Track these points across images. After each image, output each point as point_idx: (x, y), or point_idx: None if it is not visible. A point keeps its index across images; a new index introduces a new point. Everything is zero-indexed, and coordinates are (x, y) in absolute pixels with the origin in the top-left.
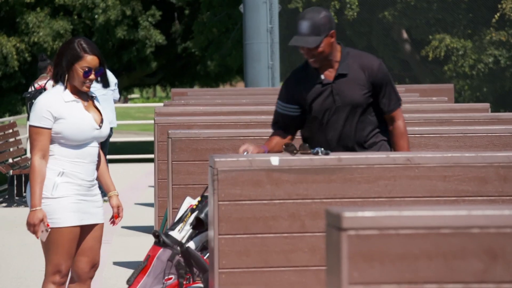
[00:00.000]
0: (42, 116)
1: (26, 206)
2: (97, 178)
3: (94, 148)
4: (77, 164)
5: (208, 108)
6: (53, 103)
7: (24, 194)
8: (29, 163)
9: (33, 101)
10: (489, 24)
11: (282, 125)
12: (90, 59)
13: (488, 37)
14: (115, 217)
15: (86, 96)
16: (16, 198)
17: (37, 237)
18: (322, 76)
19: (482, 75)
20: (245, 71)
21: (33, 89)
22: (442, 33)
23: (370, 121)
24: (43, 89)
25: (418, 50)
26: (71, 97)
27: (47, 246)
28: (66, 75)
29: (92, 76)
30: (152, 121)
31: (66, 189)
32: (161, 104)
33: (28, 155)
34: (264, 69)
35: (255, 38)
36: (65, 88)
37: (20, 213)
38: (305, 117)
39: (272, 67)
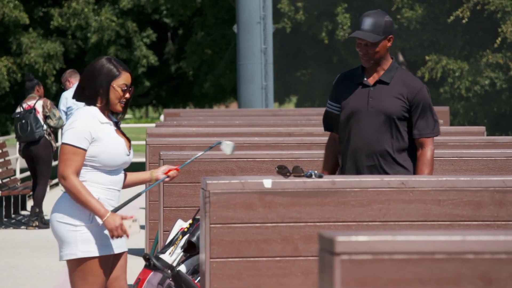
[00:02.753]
0: (84, 137)
1: (15, 227)
2: (128, 185)
3: (123, 175)
4: (110, 191)
5: (200, 129)
6: (93, 124)
7: (13, 216)
8: (18, 184)
9: (23, 121)
10: (486, 46)
11: (329, 123)
12: (126, 77)
13: (484, 60)
14: (173, 170)
15: (111, 121)
16: (5, 219)
17: (128, 236)
18: (365, 78)
19: (478, 97)
20: (238, 92)
21: (22, 109)
22: (437, 54)
23: (402, 139)
24: (32, 109)
25: (413, 72)
26: (105, 119)
27: (81, 280)
28: (101, 95)
29: (128, 94)
30: (144, 142)
31: None
32: (153, 124)
33: (18, 176)
34: (258, 90)
35: (249, 59)
36: (97, 109)
37: (9, 235)
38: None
39: (266, 87)
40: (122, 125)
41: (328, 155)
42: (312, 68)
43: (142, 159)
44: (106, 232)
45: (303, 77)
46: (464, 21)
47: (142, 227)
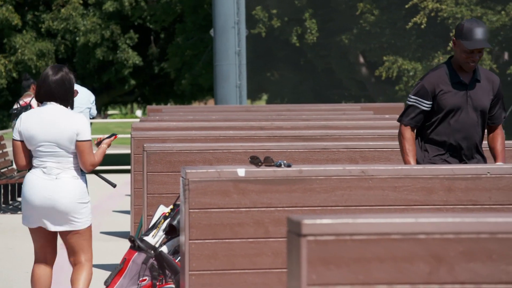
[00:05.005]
0: None
1: (13, 213)
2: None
3: None
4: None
5: (181, 124)
6: None
7: (10, 202)
8: (15, 173)
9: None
10: (437, 48)
11: (418, 119)
12: None
13: (436, 60)
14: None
15: None
16: (3, 205)
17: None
18: (461, 78)
19: None
20: (215, 90)
21: (18, 106)
22: (394, 56)
23: (482, 129)
24: (28, 105)
25: (373, 72)
26: None
27: (89, 240)
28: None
29: None
30: (129, 135)
31: None
32: (138, 119)
33: (14, 166)
34: (233, 88)
35: (224, 60)
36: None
37: (6, 220)
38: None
39: (239, 86)
40: (110, 120)
41: (414, 149)
42: (282, 69)
43: (128, 151)
44: None
45: (273, 77)
46: (422, 26)
47: (127, 212)
